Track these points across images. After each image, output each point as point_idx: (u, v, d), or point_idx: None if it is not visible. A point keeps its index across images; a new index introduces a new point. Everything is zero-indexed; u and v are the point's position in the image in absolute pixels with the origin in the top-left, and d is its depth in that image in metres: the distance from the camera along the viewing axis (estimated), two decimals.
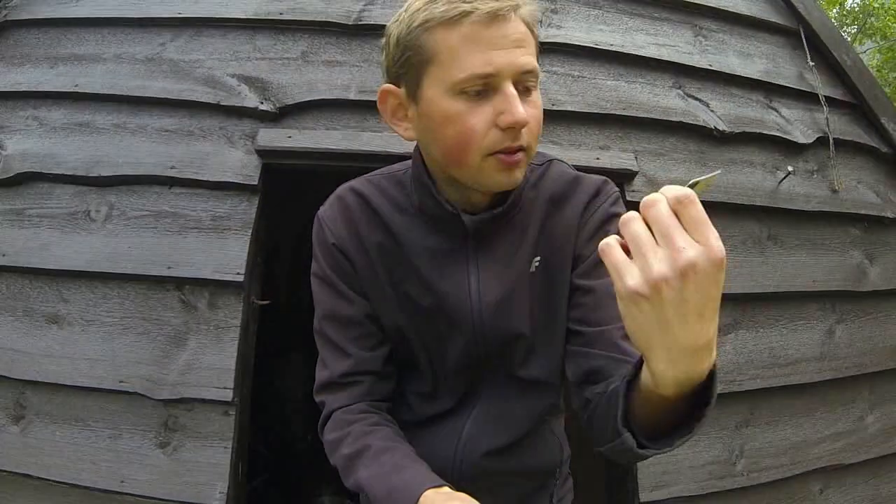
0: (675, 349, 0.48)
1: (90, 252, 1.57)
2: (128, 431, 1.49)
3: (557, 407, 0.93)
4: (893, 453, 1.88)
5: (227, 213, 1.59)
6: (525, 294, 0.82)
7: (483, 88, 0.68)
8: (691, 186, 0.48)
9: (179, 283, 1.55)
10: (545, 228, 0.83)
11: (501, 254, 0.82)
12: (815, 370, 1.81)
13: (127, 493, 1.45)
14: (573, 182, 0.84)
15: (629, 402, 0.60)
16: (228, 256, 1.55)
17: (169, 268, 1.55)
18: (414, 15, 0.70)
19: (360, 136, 1.64)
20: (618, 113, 1.78)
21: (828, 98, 1.98)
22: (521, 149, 0.70)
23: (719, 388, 0.55)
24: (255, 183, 1.59)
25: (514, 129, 0.68)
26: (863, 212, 1.97)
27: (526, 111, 0.68)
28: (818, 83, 1.99)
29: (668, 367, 0.49)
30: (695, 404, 0.55)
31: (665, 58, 1.87)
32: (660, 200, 0.46)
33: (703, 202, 0.46)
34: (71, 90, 1.68)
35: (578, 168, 0.89)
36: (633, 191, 1.73)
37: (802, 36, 2.01)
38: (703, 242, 0.44)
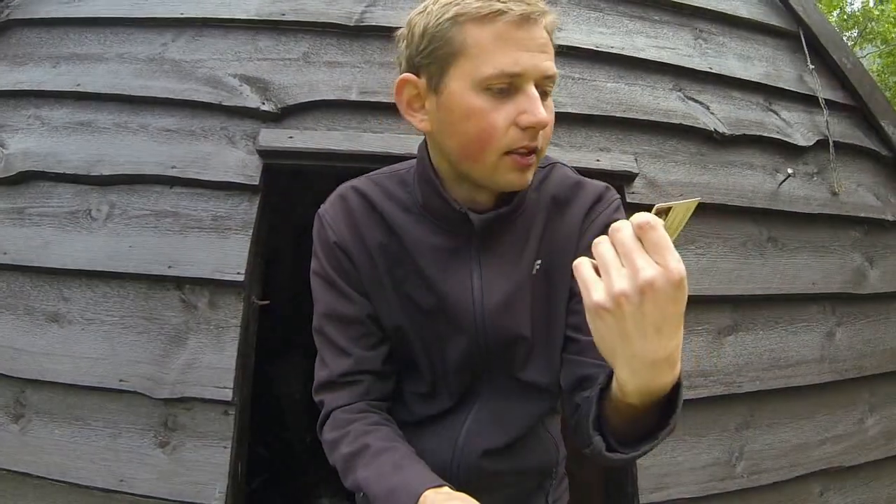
0: (636, 361, 0.52)
1: (91, 251, 1.57)
2: (127, 430, 1.49)
3: (554, 408, 0.94)
4: (893, 456, 1.88)
5: (227, 212, 1.59)
6: (526, 296, 0.82)
7: (507, 87, 0.69)
8: (665, 210, 0.53)
9: (180, 282, 1.55)
10: (547, 231, 0.83)
11: (505, 254, 0.82)
12: (815, 372, 1.81)
13: (126, 493, 1.45)
14: (575, 187, 0.85)
15: (601, 408, 0.64)
16: (229, 256, 1.55)
17: (169, 267, 1.55)
18: (445, 7, 0.70)
19: (361, 136, 1.65)
20: (618, 115, 1.79)
21: (828, 101, 1.98)
22: (534, 150, 0.72)
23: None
24: (256, 183, 1.60)
25: (534, 129, 0.70)
26: (863, 214, 1.97)
27: None
28: (818, 86, 1.99)
29: (630, 377, 0.54)
30: (661, 414, 0.59)
31: (665, 60, 1.87)
32: (625, 226, 0.51)
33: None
34: (73, 89, 1.68)
35: (579, 170, 0.89)
36: (633, 193, 1.73)
37: (802, 39, 2.02)
38: (663, 264, 0.49)
